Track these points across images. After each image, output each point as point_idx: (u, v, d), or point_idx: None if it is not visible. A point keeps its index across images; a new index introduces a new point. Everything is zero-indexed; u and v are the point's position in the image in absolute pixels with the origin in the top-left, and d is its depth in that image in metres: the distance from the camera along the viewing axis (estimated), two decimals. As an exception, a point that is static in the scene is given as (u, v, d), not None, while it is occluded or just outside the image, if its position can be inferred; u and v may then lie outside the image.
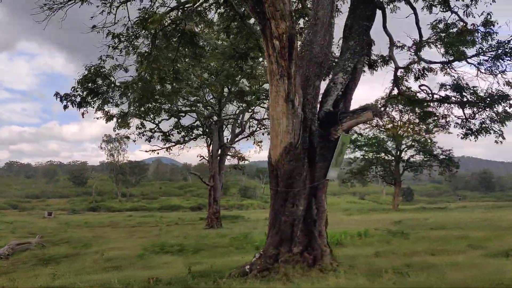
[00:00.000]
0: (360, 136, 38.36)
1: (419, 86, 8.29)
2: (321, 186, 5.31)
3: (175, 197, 70.48)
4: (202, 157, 22.04)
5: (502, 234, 13.80)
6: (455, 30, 9.55)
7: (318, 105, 5.53)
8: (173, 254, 12.55)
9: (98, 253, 12.53)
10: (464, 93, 7.93)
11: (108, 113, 8.48)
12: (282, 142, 5.00)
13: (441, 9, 9.79)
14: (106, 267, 9.88)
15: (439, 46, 7.84)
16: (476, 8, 9.80)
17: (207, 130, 22.24)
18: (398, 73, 8.31)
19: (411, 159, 38.50)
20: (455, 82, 8.09)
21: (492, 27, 9.44)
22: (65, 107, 9.27)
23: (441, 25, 9.76)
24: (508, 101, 7.72)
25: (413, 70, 8.38)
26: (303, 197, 5.13)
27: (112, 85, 8.72)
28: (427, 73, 8.18)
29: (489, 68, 7.49)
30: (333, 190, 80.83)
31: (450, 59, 7.81)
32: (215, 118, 21.90)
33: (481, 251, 9.06)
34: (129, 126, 9.21)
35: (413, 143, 37.76)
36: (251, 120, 22.65)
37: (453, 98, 8.18)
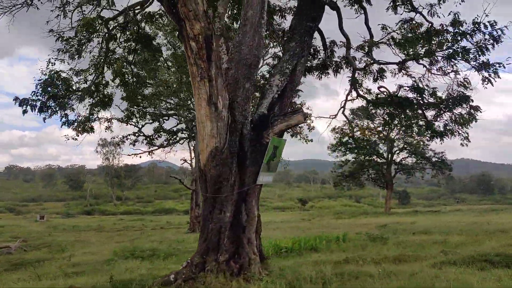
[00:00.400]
0: (350, 138, 38.18)
1: (378, 87, 8.13)
2: (251, 192, 5.13)
3: (170, 200, 70.32)
4: (184, 161, 21.96)
5: (483, 239, 13.57)
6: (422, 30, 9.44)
7: (253, 108, 5.38)
8: (143, 259, 12.30)
9: (67, 258, 12.36)
10: (424, 95, 7.74)
11: (64, 118, 8.36)
12: (207, 147, 4.84)
13: (405, 9, 9.66)
14: (67, 273, 9.72)
15: (393, 46, 7.66)
16: (440, 7, 9.67)
17: (193, 134, 22.15)
18: (356, 75, 8.14)
19: (403, 161, 38.24)
20: (414, 83, 7.92)
21: (460, 27, 9.31)
22: (24, 111, 9.15)
23: (406, 26, 9.64)
24: (468, 103, 7.52)
25: (372, 71, 8.21)
26: (231, 203, 4.95)
27: (70, 89, 8.59)
28: (385, 74, 8.01)
29: (441, 68, 7.31)
30: (329, 193, 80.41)
31: (404, 59, 7.63)
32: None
33: (449, 257, 8.85)
34: (92, 131, 9.08)
35: (405, 146, 37.52)
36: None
37: (414, 100, 7.99)
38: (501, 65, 6.57)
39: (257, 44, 5.19)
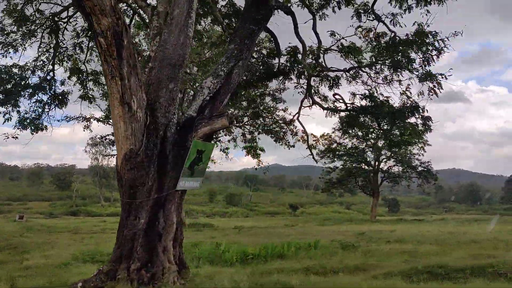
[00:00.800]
0: (339, 145, 38.20)
1: (333, 95, 8.02)
2: (170, 198, 4.90)
3: (159, 202, 69.22)
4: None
5: (451, 249, 13.51)
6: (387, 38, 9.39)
7: (180, 110, 5.18)
8: (103, 263, 11.86)
9: (20, 261, 11.87)
10: (377, 103, 7.61)
11: (8, 115, 8.06)
12: (122, 149, 4.62)
13: (368, 18, 9.61)
14: (14, 277, 9.36)
15: (341, 53, 7.54)
16: (402, 17, 9.65)
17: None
18: (313, 82, 8.00)
19: (390, 170, 38.30)
20: (369, 91, 7.80)
21: (425, 37, 9.28)
22: (-29, 108, 8.89)
23: (371, 34, 9.58)
24: (419, 113, 7.41)
25: (328, 78, 8.08)
26: (146, 209, 4.72)
27: (21, 85, 8.32)
28: (341, 82, 7.89)
29: (386, 78, 7.21)
30: (321, 199, 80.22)
31: (350, 66, 7.52)
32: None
33: (394, 269, 8.75)
34: (40, 129, 8.73)
35: (391, 154, 37.59)
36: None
37: (369, 108, 7.86)
38: (443, 75, 6.48)
39: (182, 43, 5.00)
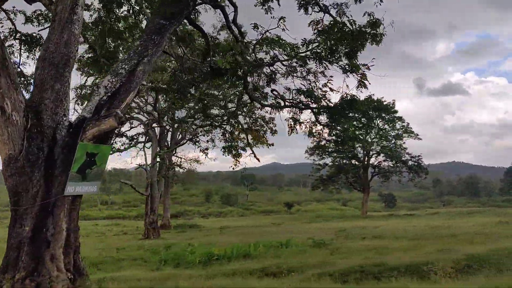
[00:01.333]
0: (328, 142, 37.88)
1: (271, 91, 7.77)
2: (59, 204, 4.70)
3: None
4: (139, 166, 21.55)
5: (425, 244, 13.36)
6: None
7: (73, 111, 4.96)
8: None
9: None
10: (315, 98, 7.36)
11: None
12: (1, 154, 4.44)
13: (313, 10, 9.34)
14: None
15: (265, 47, 7.28)
16: (347, 7, 9.36)
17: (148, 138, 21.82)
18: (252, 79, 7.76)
19: (380, 165, 37.97)
20: (309, 87, 7.54)
21: (377, 28, 9.00)
22: None
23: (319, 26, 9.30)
24: (355, 106, 7.13)
25: (266, 74, 7.83)
26: (31, 216, 4.53)
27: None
28: (277, 77, 7.63)
29: (309, 70, 6.94)
30: (318, 196, 79.88)
31: (272, 61, 7.25)
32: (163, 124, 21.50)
33: (330, 268, 8.54)
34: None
35: (381, 149, 37.23)
36: (194, 126, 22.22)
37: (309, 103, 7.62)
38: (366, 66, 6.20)
39: (66, 41, 4.79)
